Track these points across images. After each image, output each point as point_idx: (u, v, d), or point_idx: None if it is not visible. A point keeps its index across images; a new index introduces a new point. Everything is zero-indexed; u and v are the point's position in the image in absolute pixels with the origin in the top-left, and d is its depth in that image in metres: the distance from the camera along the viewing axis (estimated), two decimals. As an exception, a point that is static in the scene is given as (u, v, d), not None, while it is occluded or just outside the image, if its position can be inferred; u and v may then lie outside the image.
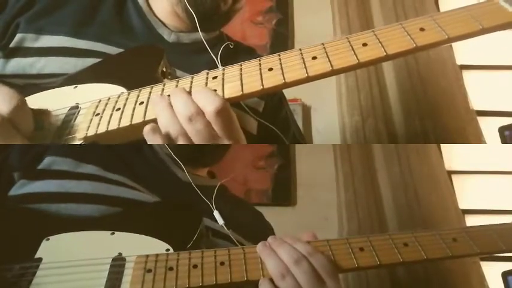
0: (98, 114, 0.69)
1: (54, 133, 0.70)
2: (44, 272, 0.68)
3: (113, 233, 0.75)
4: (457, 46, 2.06)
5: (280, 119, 1.05)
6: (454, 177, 2.02)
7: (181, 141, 0.63)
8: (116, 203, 0.82)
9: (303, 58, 0.65)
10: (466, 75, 2.07)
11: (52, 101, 0.75)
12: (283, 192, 1.99)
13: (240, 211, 1.00)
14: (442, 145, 2.00)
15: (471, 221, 1.93)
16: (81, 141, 0.68)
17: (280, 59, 0.66)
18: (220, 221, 0.88)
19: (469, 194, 1.99)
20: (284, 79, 0.64)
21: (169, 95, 0.65)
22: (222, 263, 0.70)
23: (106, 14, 0.94)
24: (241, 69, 0.67)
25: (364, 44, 0.64)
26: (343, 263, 0.70)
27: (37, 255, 0.71)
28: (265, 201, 1.96)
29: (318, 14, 2.17)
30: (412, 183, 1.92)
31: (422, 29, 0.64)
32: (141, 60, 0.82)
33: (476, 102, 2.00)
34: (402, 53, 0.63)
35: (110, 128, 0.67)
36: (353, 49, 0.63)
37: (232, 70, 0.67)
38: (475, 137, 1.91)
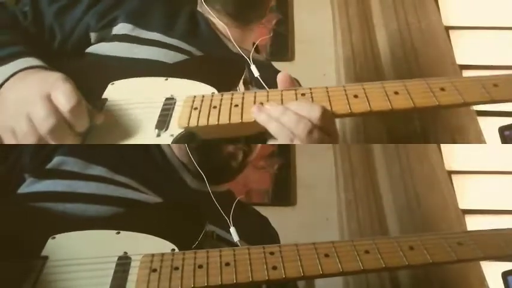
0: (196, 108, 0.77)
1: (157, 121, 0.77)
2: (50, 270, 0.69)
3: (118, 233, 0.76)
4: (456, 46, 2.06)
5: None
6: (454, 177, 2.02)
7: (296, 142, 0.71)
8: (122, 204, 0.82)
9: (385, 91, 0.73)
10: (466, 75, 2.06)
11: (145, 88, 0.84)
12: (283, 192, 1.99)
13: (247, 218, 1.01)
14: (442, 145, 2.00)
15: (471, 221, 1.93)
16: (182, 130, 0.76)
17: (364, 89, 0.74)
18: (236, 238, 0.89)
19: (469, 194, 1.99)
20: (370, 107, 0.71)
21: (262, 103, 0.74)
22: (227, 264, 0.70)
23: (183, 21, 1.05)
24: (327, 91, 0.74)
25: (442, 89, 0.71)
26: (348, 266, 0.71)
27: (43, 254, 0.71)
28: (265, 201, 1.95)
29: (317, 14, 2.17)
30: (412, 183, 1.92)
31: (495, 85, 0.70)
32: (226, 67, 0.91)
33: (476, 102, 1.99)
34: (475, 103, 0.71)
35: (209, 123, 0.74)
36: (432, 91, 0.71)
37: (319, 91, 0.75)
38: (475, 137, 1.91)
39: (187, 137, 0.76)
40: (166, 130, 0.76)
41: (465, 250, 0.75)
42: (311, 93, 0.75)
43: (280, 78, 0.77)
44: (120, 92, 0.83)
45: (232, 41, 1.04)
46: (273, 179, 2.00)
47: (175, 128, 0.76)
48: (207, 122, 0.74)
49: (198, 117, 0.75)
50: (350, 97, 0.73)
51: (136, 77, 0.86)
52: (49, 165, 0.86)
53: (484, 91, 0.69)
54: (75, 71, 0.77)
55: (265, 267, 0.70)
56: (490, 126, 1.88)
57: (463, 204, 1.93)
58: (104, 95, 0.83)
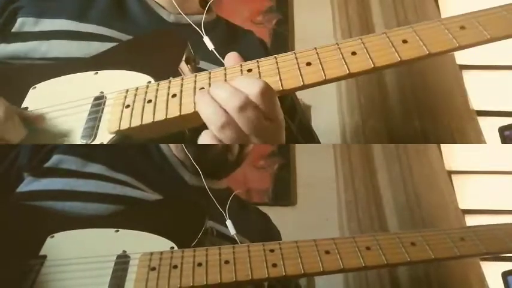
0: (129, 106, 0.66)
1: (84, 126, 0.67)
2: (48, 270, 0.68)
3: (117, 231, 0.75)
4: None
5: (286, 105, 1.02)
6: (454, 177, 2.02)
7: (229, 132, 0.60)
8: (121, 202, 0.82)
9: (341, 53, 0.63)
10: (466, 75, 2.06)
11: (73, 88, 0.73)
12: (283, 192, 1.98)
13: (247, 215, 1.00)
14: (442, 145, 2.00)
15: (471, 221, 1.93)
16: (114, 135, 0.65)
17: (317, 53, 0.64)
18: (232, 231, 0.88)
19: (469, 194, 1.99)
20: (325, 76, 0.62)
21: (202, 88, 0.63)
22: (226, 262, 0.70)
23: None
24: (277, 62, 0.65)
25: (404, 41, 0.63)
26: (349, 262, 0.70)
27: (41, 253, 0.71)
28: (265, 201, 1.95)
29: (318, 14, 2.16)
30: (412, 183, 1.92)
31: (462, 27, 0.62)
32: (163, 47, 0.79)
33: (476, 102, 1.99)
34: (443, 52, 0.62)
35: (144, 122, 0.64)
36: (393, 46, 0.62)
37: (268, 63, 0.65)
38: (475, 137, 1.91)
39: (122, 141, 0.66)
40: (94, 139, 0.65)
41: (468, 246, 0.74)
42: (258, 67, 0.64)
43: (228, 58, 0.67)
44: (44, 97, 0.72)
45: (164, 7, 0.92)
46: (273, 179, 2.00)
47: (105, 135, 0.65)
48: (140, 122, 0.64)
49: (131, 117, 0.65)
50: (302, 66, 0.63)
51: (60, 75, 0.75)
52: (47, 164, 0.86)
53: (450, 37, 0.61)
54: None
55: (265, 264, 0.69)
56: (490, 126, 1.88)
57: (463, 204, 1.93)
58: (25, 103, 0.72)
